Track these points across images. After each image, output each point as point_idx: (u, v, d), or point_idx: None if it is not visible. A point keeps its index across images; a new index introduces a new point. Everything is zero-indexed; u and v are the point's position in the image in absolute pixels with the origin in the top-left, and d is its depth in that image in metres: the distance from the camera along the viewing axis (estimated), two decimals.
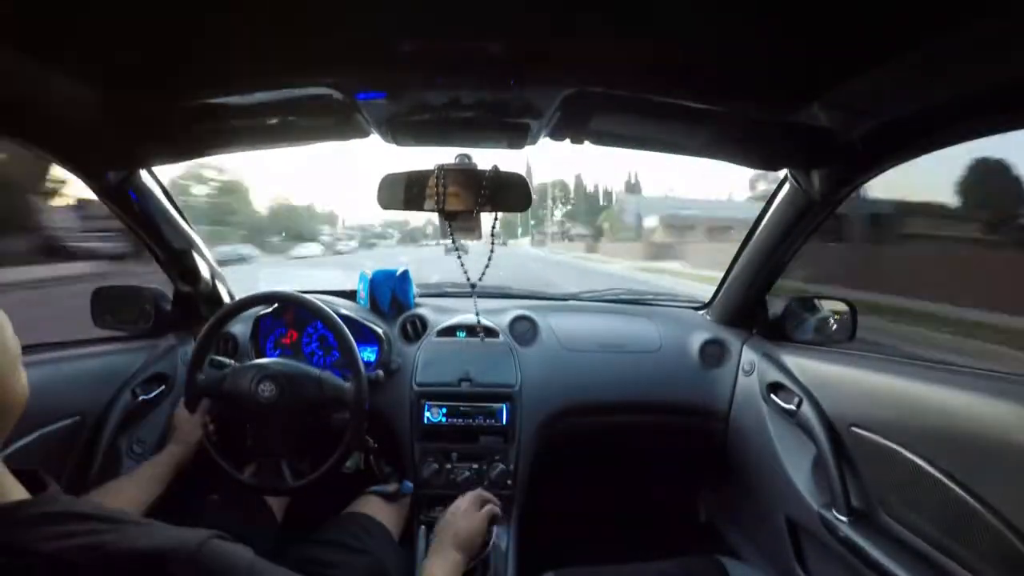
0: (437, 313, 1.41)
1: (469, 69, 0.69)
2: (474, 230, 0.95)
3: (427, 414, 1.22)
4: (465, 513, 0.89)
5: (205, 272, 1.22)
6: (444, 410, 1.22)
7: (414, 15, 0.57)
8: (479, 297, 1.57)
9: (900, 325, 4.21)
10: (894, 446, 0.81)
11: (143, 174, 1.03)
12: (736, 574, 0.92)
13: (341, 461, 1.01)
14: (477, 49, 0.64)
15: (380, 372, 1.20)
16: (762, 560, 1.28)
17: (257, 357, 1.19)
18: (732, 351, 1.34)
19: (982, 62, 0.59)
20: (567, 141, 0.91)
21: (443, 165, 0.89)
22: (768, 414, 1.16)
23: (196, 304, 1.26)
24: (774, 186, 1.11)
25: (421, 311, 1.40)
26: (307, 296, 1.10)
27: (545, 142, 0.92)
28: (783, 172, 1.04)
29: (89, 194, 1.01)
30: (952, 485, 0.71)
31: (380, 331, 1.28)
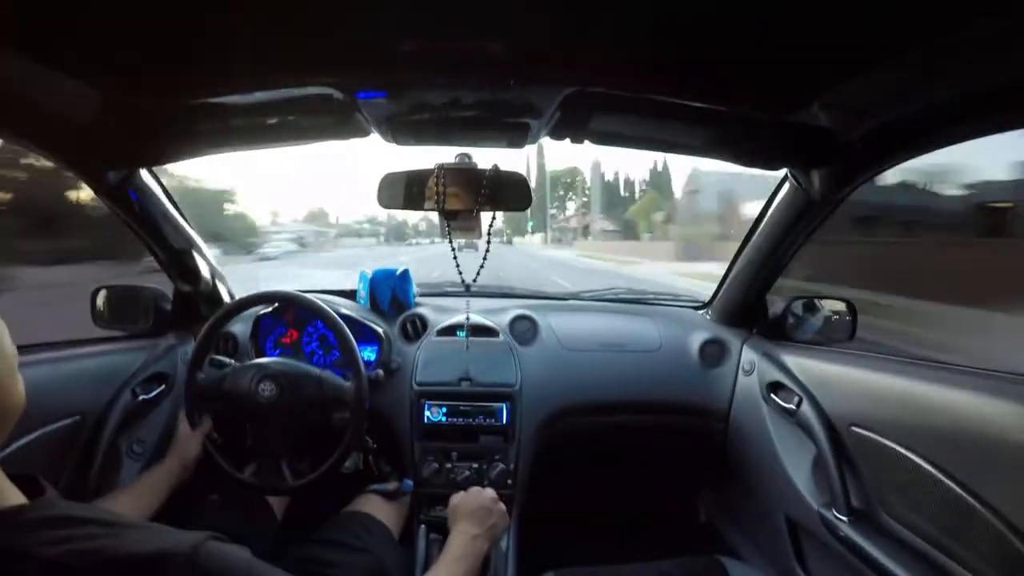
0: (437, 312, 1.41)
1: (469, 69, 0.69)
2: (474, 229, 0.95)
3: (427, 413, 1.22)
4: (470, 492, 0.92)
5: (205, 272, 1.22)
6: (444, 409, 1.22)
7: (414, 15, 0.57)
8: (479, 297, 1.58)
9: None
10: (894, 446, 0.81)
11: (143, 174, 1.03)
12: (736, 574, 0.92)
13: (341, 461, 1.01)
14: (477, 49, 0.64)
15: (380, 371, 1.21)
16: (762, 560, 1.28)
17: (257, 356, 1.19)
18: (732, 351, 1.34)
19: (982, 62, 0.59)
20: (567, 141, 0.91)
21: (443, 164, 0.89)
22: (768, 414, 1.16)
23: (196, 304, 1.26)
24: None
25: (421, 310, 1.40)
26: (307, 295, 1.10)
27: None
28: (784, 172, 1.04)
29: None
30: (952, 485, 0.71)
31: (380, 330, 1.28)
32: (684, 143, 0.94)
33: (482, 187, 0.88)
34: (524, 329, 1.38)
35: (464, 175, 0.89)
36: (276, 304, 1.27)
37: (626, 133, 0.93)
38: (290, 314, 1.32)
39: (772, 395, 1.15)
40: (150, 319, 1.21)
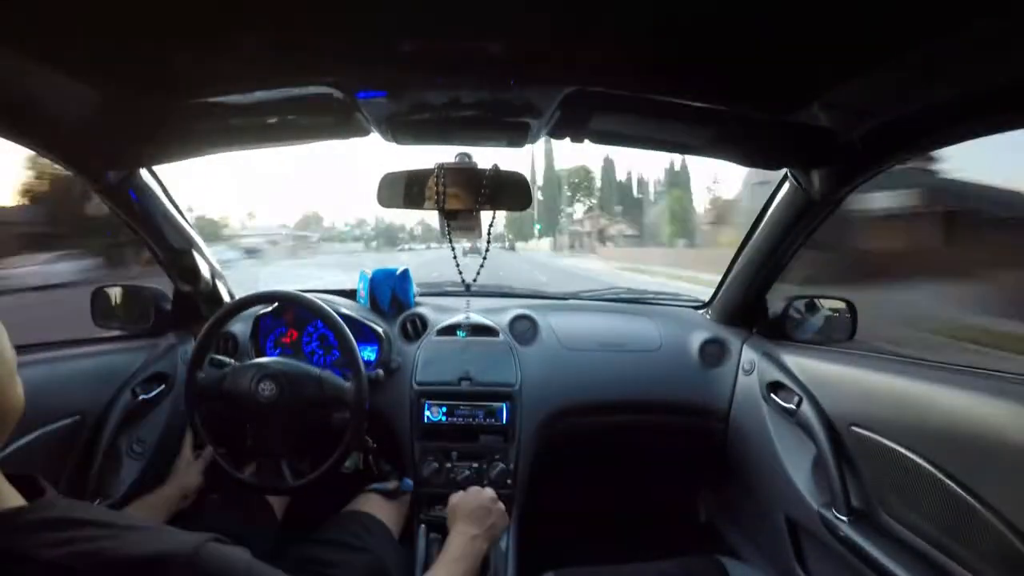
0: (437, 312, 1.41)
1: (469, 69, 0.69)
2: (474, 229, 0.95)
3: (427, 413, 1.22)
4: (469, 492, 0.92)
5: (205, 272, 1.22)
6: (444, 409, 1.22)
7: (414, 15, 0.57)
8: (478, 296, 1.58)
9: None
10: (894, 446, 0.81)
11: (143, 173, 1.03)
12: (736, 574, 0.92)
13: (341, 461, 1.01)
14: (477, 49, 0.64)
15: (380, 371, 1.21)
16: (762, 560, 1.28)
17: (257, 356, 1.19)
18: (732, 350, 1.34)
19: (982, 62, 0.59)
20: (567, 140, 0.91)
21: (443, 164, 0.89)
22: (768, 413, 1.16)
23: (196, 303, 1.26)
24: None
25: (421, 310, 1.40)
26: (307, 295, 1.10)
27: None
28: (783, 172, 1.04)
29: None
30: (952, 485, 0.71)
31: (380, 330, 1.28)
32: (684, 143, 0.95)
33: (482, 187, 0.88)
34: (524, 329, 1.38)
35: (464, 175, 0.89)
36: (276, 304, 1.27)
37: (626, 133, 0.93)
38: (290, 314, 1.32)
39: (772, 395, 1.15)
40: (150, 319, 1.21)
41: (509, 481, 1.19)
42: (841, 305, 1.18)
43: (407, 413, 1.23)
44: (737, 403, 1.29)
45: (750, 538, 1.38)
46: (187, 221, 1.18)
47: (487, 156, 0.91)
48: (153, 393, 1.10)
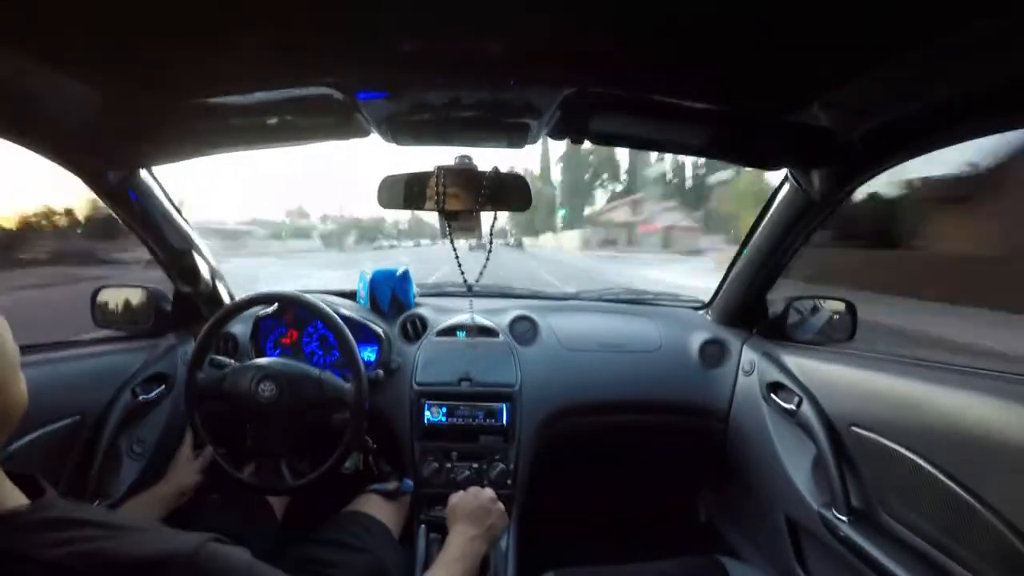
0: (437, 313, 1.41)
1: (469, 69, 0.69)
2: (474, 229, 0.95)
3: (427, 413, 1.22)
4: (468, 492, 0.92)
5: (205, 272, 1.22)
6: (444, 409, 1.22)
7: (414, 15, 0.57)
8: (479, 297, 1.58)
9: None
10: (894, 446, 0.81)
11: (143, 174, 1.03)
12: (736, 574, 0.92)
13: (341, 461, 1.01)
14: (477, 49, 0.64)
15: (380, 372, 1.21)
16: (762, 560, 1.28)
17: (257, 357, 1.19)
18: (732, 351, 1.34)
19: (982, 62, 0.59)
20: (567, 140, 0.91)
21: (443, 166, 0.89)
22: (768, 414, 1.16)
23: (196, 304, 1.26)
24: None
25: (421, 311, 1.40)
26: (307, 296, 1.10)
27: None
28: (783, 172, 1.04)
29: None
30: (952, 485, 0.71)
31: (380, 331, 1.28)
32: (684, 143, 0.94)
33: (482, 188, 0.88)
34: (524, 329, 1.38)
35: (464, 176, 0.89)
36: (276, 304, 1.27)
37: (626, 133, 0.93)
38: (290, 314, 1.32)
39: (772, 395, 1.15)
40: (150, 319, 1.21)
41: (509, 481, 1.19)
42: (841, 306, 1.18)
43: (407, 413, 1.23)
44: (737, 403, 1.29)
45: (750, 538, 1.38)
46: (187, 221, 1.18)
47: (487, 158, 0.91)
48: (153, 393, 1.10)
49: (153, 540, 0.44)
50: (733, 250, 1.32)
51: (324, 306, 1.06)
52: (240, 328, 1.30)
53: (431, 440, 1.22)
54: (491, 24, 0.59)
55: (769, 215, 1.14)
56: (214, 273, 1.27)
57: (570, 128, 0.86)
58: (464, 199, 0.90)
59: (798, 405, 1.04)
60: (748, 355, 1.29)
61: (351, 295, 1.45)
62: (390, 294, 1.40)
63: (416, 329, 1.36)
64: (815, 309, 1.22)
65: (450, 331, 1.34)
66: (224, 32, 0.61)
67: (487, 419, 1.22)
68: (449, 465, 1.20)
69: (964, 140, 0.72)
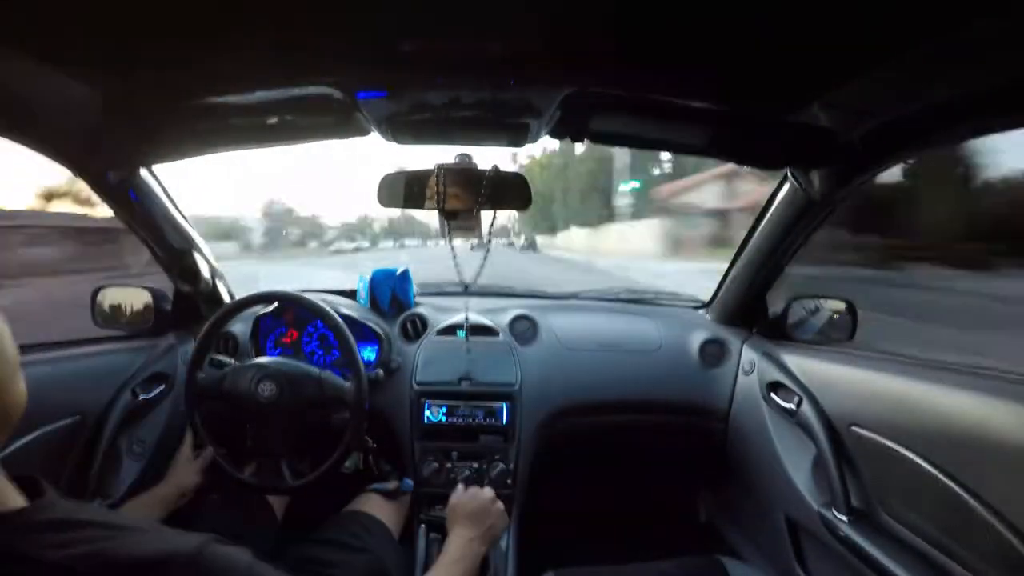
0: (437, 312, 1.41)
1: (469, 69, 0.69)
2: (474, 229, 0.95)
3: (427, 413, 1.22)
4: (468, 492, 0.92)
5: (205, 272, 1.22)
6: (444, 409, 1.22)
7: (414, 15, 0.57)
8: (479, 296, 1.58)
9: None
10: (894, 446, 0.81)
11: (143, 173, 1.03)
12: (736, 574, 0.93)
13: (341, 460, 1.01)
14: (477, 49, 0.65)
15: (380, 371, 1.21)
16: (762, 560, 1.28)
17: (257, 356, 1.19)
18: (732, 350, 1.34)
19: (982, 62, 0.59)
20: (568, 139, 0.91)
21: (443, 165, 0.89)
22: (768, 414, 1.16)
23: (196, 304, 1.26)
24: None
25: (421, 310, 1.40)
26: (307, 295, 1.10)
27: None
28: (783, 172, 1.04)
29: None
30: (952, 485, 0.71)
31: (380, 330, 1.28)
32: (684, 143, 0.95)
33: (482, 187, 0.88)
34: (524, 329, 1.38)
35: (464, 176, 0.89)
36: (276, 304, 1.27)
37: (626, 133, 0.93)
38: (290, 314, 1.32)
39: (772, 395, 1.15)
40: (150, 319, 1.21)
41: (509, 481, 1.19)
42: (841, 306, 1.18)
43: (407, 413, 1.23)
44: (737, 403, 1.30)
45: (750, 538, 1.38)
46: (187, 221, 1.18)
47: (487, 157, 0.90)
48: (153, 393, 1.10)
49: (153, 540, 0.44)
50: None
51: (324, 305, 1.06)
52: (240, 327, 1.30)
53: (431, 440, 1.22)
54: (491, 24, 0.59)
55: (769, 215, 1.14)
56: (214, 273, 1.27)
57: (570, 128, 0.87)
58: (464, 199, 0.90)
59: (798, 405, 1.04)
60: (748, 355, 1.29)
61: (351, 294, 1.45)
62: (390, 294, 1.40)
63: (416, 329, 1.36)
64: (815, 309, 1.22)
65: (450, 330, 1.34)
66: (224, 32, 0.61)
67: (487, 419, 1.22)
68: (449, 465, 1.20)
69: (964, 140, 0.72)
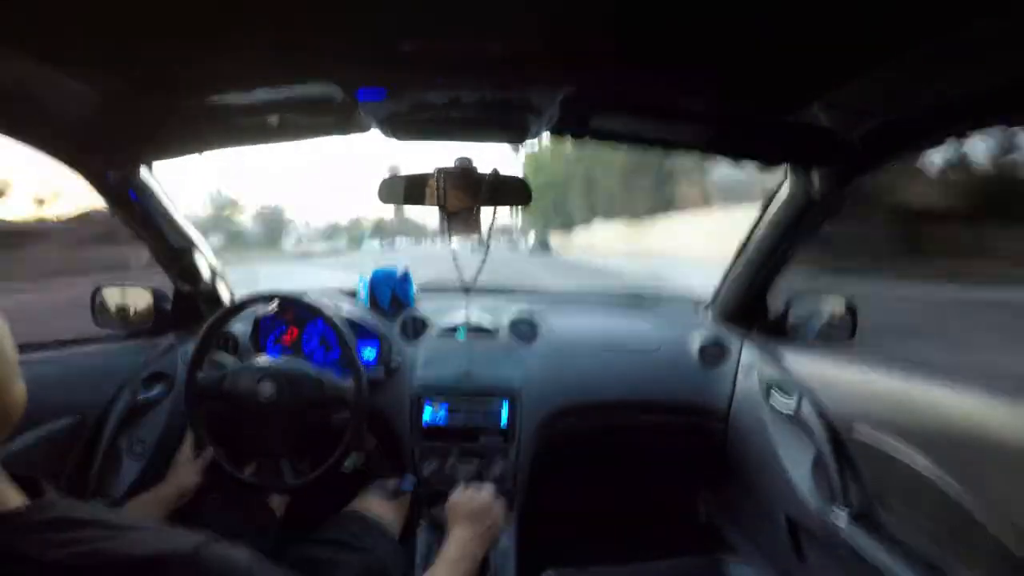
0: (437, 312, 1.41)
1: (469, 69, 0.69)
2: (474, 228, 0.95)
3: (427, 413, 1.22)
4: (468, 491, 0.92)
5: (205, 271, 1.22)
6: (444, 409, 1.22)
7: (414, 15, 0.57)
8: (479, 295, 1.58)
9: None
10: (894, 446, 0.81)
11: (144, 173, 1.03)
12: (736, 574, 0.93)
13: (341, 460, 1.01)
14: (477, 49, 0.65)
15: (380, 371, 1.21)
16: (762, 560, 1.28)
17: (257, 356, 1.19)
18: (732, 350, 1.34)
19: (982, 62, 0.59)
20: (568, 139, 0.91)
21: (442, 168, 0.90)
22: (768, 413, 1.16)
23: (196, 303, 1.26)
24: None
25: (421, 310, 1.40)
26: (307, 295, 1.10)
27: None
28: (784, 171, 1.04)
29: None
30: (952, 485, 0.71)
31: (380, 330, 1.28)
32: (684, 142, 0.95)
33: (481, 190, 0.89)
34: (524, 328, 1.38)
35: (463, 179, 0.90)
36: (276, 303, 1.27)
37: (626, 132, 0.93)
38: (290, 313, 1.32)
39: (772, 395, 1.15)
40: (150, 319, 1.21)
41: (509, 481, 1.19)
42: (841, 306, 1.18)
43: (407, 413, 1.23)
44: (737, 403, 1.29)
45: (750, 538, 1.38)
46: (187, 220, 1.18)
47: (487, 158, 0.91)
48: (153, 393, 1.10)
49: (153, 540, 0.44)
50: None
51: (324, 305, 1.06)
52: (240, 327, 1.30)
53: (431, 440, 1.22)
54: (491, 24, 0.59)
55: (769, 214, 1.14)
56: (214, 272, 1.27)
57: (570, 127, 0.87)
58: (464, 199, 0.90)
59: (798, 405, 1.04)
60: (748, 355, 1.29)
61: (351, 294, 1.45)
62: (390, 293, 1.40)
63: (416, 328, 1.36)
64: (815, 309, 1.22)
65: (450, 330, 1.34)
66: (224, 32, 0.61)
67: (487, 418, 1.22)
68: (449, 464, 1.20)
69: (964, 140, 0.72)
